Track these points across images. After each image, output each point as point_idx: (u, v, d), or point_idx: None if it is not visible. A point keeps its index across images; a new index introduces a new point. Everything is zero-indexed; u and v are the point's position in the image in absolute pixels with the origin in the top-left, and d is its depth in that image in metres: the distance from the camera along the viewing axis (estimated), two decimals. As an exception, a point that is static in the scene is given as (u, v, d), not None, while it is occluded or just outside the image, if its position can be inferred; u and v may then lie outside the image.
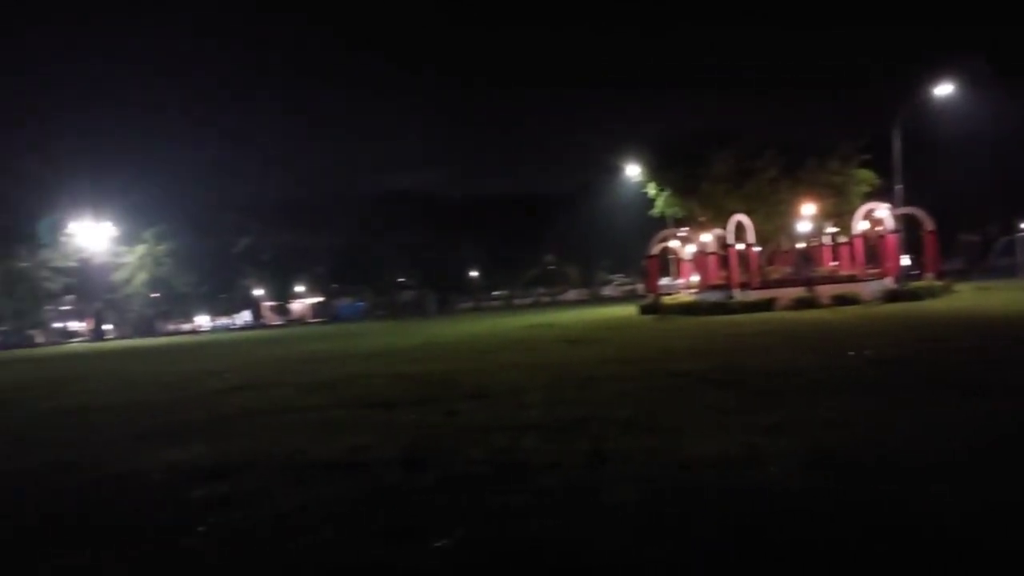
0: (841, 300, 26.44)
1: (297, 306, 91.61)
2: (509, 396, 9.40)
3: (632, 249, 65.04)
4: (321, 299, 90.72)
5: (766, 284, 30.56)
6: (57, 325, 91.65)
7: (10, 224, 74.44)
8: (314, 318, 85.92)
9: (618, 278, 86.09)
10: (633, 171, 41.42)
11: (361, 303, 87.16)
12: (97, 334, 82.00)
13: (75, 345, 69.15)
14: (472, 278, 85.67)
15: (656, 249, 35.76)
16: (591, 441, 6.31)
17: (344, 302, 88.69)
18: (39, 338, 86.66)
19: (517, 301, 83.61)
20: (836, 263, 34.13)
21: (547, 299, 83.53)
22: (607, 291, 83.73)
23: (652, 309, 30.04)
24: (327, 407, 9.70)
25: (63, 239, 77.76)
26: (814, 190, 33.52)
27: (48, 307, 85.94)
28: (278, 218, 77.65)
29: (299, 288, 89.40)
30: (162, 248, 78.43)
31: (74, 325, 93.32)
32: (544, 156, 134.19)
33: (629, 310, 33.02)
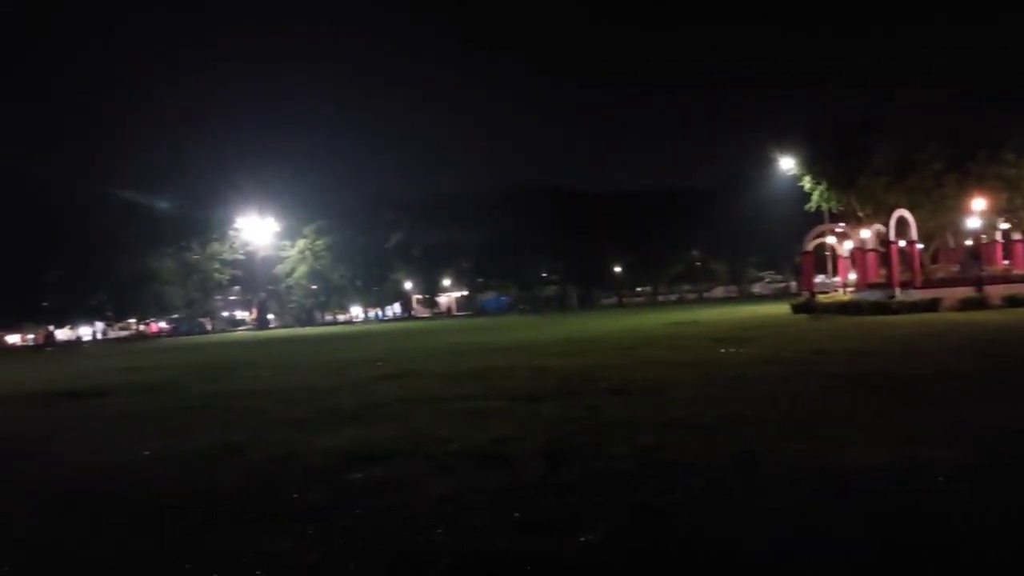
0: (1014, 301, 24.53)
1: (444, 299, 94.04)
2: (653, 393, 9.31)
3: (784, 245, 62.74)
4: (466, 293, 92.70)
5: (930, 283, 28.75)
6: (225, 314, 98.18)
7: (184, 219, 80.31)
8: (459, 311, 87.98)
9: (769, 275, 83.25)
10: (787, 164, 39.87)
11: (505, 297, 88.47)
12: (261, 323, 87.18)
13: (241, 333, 73.83)
14: (615, 274, 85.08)
15: (811, 245, 34.34)
16: (739, 442, 6.16)
17: (489, 296, 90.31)
18: (209, 326, 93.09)
19: (661, 298, 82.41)
20: (1009, 262, 31.63)
21: (693, 296, 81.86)
22: (757, 288, 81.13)
23: (806, 308, 28.90)
24: (473, 397, 9.93)
25: (231, 234, 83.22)
26: (984, 184, 31.22)
27: (217, 297, 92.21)
28: (428, 214, 79.90)
29: (446, 282, 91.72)
30: (321, 243, 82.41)
31: (240, 314, 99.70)
32: (691, 150, 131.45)
33: (781, 309, 31.90)
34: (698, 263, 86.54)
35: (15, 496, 6.04)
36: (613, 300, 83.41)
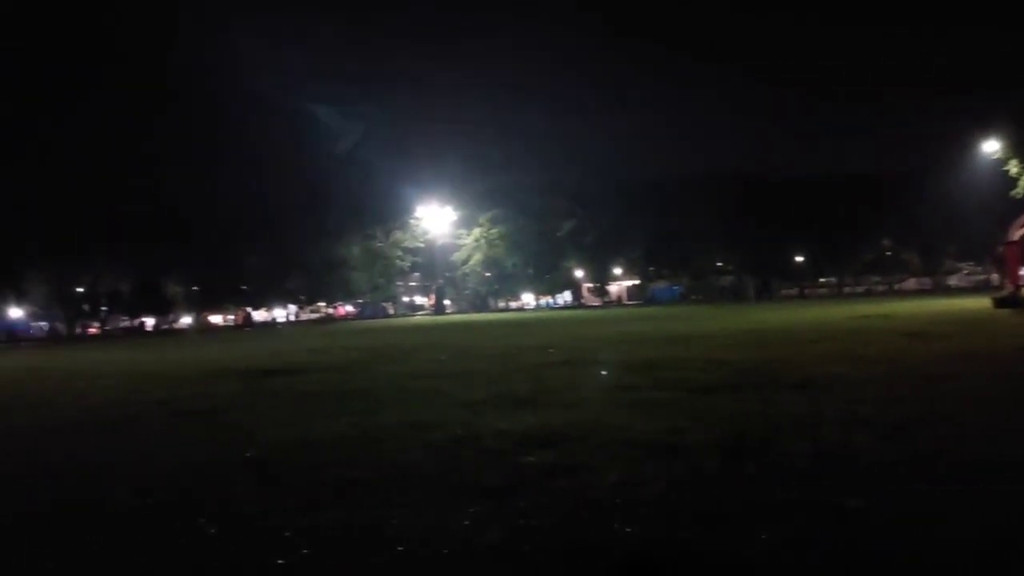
0: None
1: (614, 288, 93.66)
2: (836, 389, 8.86)
3: (985, 234, 57.71)
4: (637, 282, 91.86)
5: None
6: (405, 299, 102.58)
7: (369, 208, 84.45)
8: (630, 300, 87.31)
9: (967, 266, 76.95)
10: (990, 147, 36.63)
11: (677, 287, 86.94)
12: (438, 308, 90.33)
13: (419, 317, 76.82)
14: (796, 263, 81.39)
15: (1017, 234, 31.38)
16: (932, 444, 5.75)
17: (660, 285, 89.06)
18: (391, 310, 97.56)
19: (847, 289, 78.05)
20: None
21: (882, 288, 76.94)
22: (953, 281, 75.16)
23: (1010, 302, 26.46)
24: (645, 387, 9.84)
25: (412, 223, 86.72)
26: None
27: (399, 283, 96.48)
28: (601, 203, 79.73)
29: (617, 271, 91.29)
30: (495, 231, 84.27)
31: (419, 299, 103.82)
32: (881, 134, 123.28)
33: (980, 303, 29.40)
34: (888, 253, 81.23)
35: (217, 466, 6.56)
36: (794, 291, 79.94)
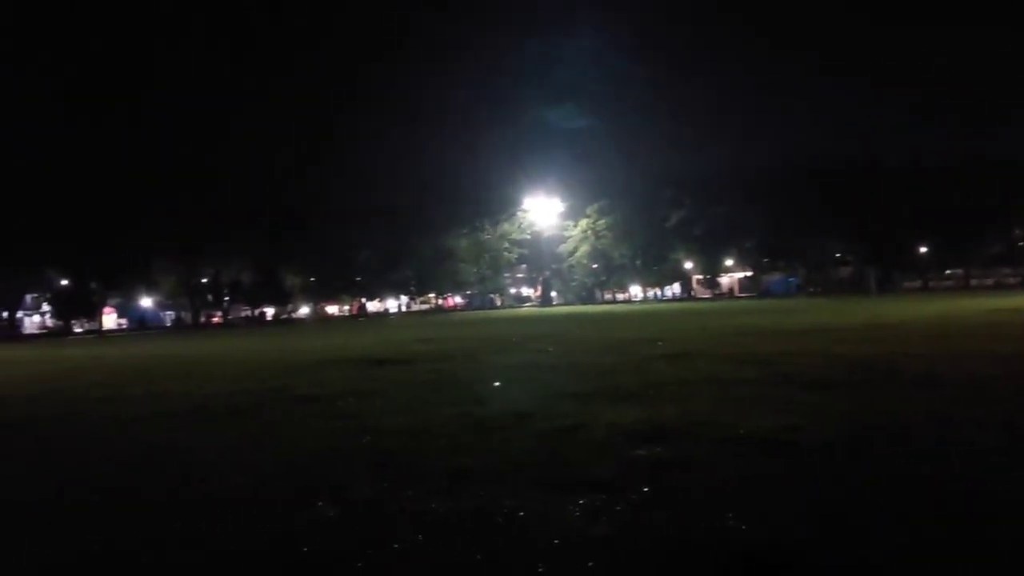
0: None
1: (725, 280, 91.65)
2: (968, 388, 8.37)
3: None
4: (750, 274, 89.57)
5: None
6: (512, 291, 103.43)
7: (477, 200, 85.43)
8: (742, 293, 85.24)
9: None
10: None
11: (792, 278, 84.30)
12: (545, 300, 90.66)
13: (526, 309, 77.29)
14: (920, 254, 77.52)
15: None
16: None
17: (774, 277, 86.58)
18: (498, 301, 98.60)
19: (974, 282, 73.87)
20: None
21: (1013, 280, 72.40)
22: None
23: None
24: (758, 382, 9.57)
25: (520, 215, 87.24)
26: None
27: (506, 275, 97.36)
28: (711, 192, 78.00)
29: (728, 262, 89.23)
30: (602, 223, 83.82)
31: (526, 291, 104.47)
32: (1015, 117, 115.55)
33: None
34: (1021, 243, 76.38)
35: (335, 452, 6.76)
36: (917, 284, 76.24)
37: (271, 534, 4.42)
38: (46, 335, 73.57)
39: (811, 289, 77.78)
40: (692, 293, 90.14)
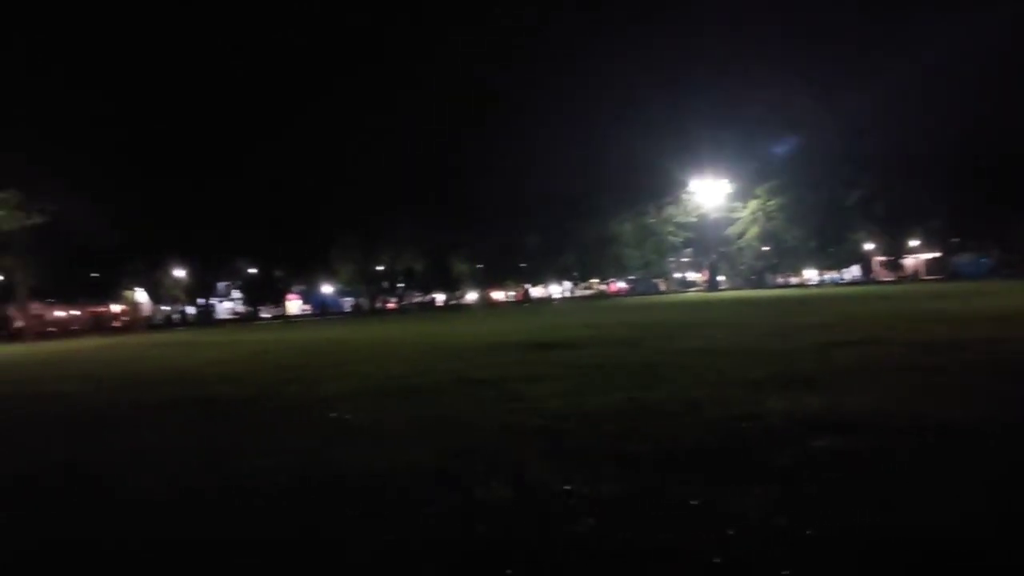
0: None
1: (910, 261, 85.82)
2: None
3: None
4: (937, 255, 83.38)
5: None
6: (677, 275, 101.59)
7: (642, 184, 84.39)
8: (928, 275, 79.59)
9: None
10: None
11: (985, 259, 77.75)
12: (712, 284, 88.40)
13: (692, 294, 75.68)
14: None
15: None
16: None
17: (964, 258, 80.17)
18: (662, 286, 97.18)
19: None
20: None
21: None
22: None
23: None
24: (950, 371, 8.91)
25: (685, 197, 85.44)
26: None
27: (670, 259, 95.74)
28: (894, 169, 73.04)
29: (913, 242, 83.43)
30: (774, 203, 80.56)
31: (692, 275, 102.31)
32: None
33: None
34: None
35: (507, 434, 6.90)
36: None
37: (449, 513, 4.58)
38: (236, 320, 79.57)
39: (1006, 271, 71.43)
40: (873, 276, 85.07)
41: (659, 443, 5.97)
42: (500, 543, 3.99)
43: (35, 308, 63.68)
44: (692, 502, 4.42)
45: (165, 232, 65.31)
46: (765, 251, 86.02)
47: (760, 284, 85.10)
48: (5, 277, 58.42)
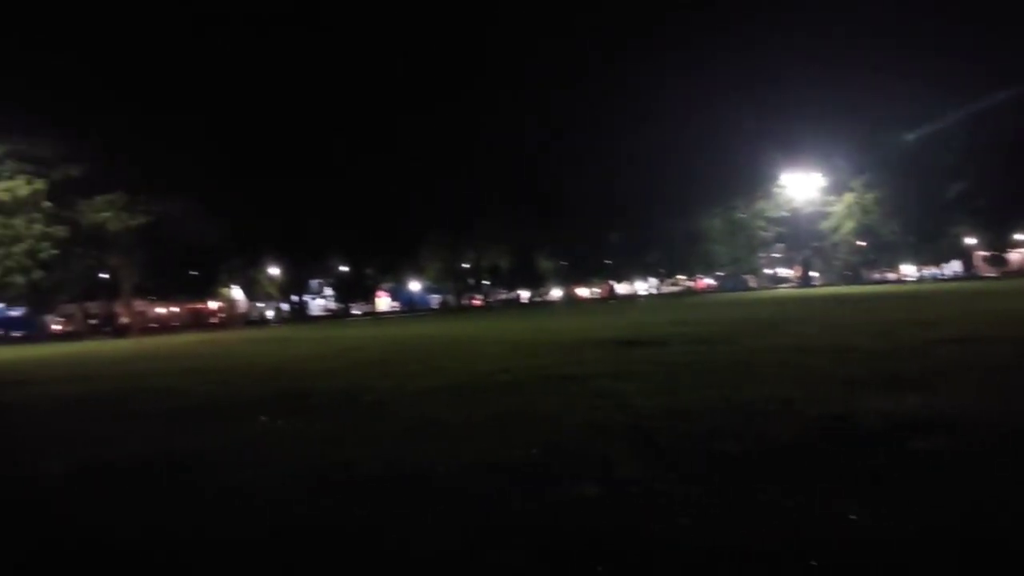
0: None
1: (1015, 256, 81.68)
2: None
3: None
4: (1045, 249, 79.13)
5: None
6: (768, 271, 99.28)
7: (730, 178, 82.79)
8: (1037, 270, 75.62)
9: None
10: None
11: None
12: (804, 280, 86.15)
13: (783, 290, 73.87)
14: None
15: None
16: None
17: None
18: (752, 283, 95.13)
19: None
20: None
21: None
22: None
23: None
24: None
25: (776, 191, 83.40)
26: None
27: (761, 254, 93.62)
28: (999, 160, 69.59)
29: (1019, 236, 79.34)
30: (870, 196, 77.86)
31: (783, 271, 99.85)
32: None
33: None
34: None
35: (595, 430, 6.89)
36: None
37: (537, 510, 4.62)
38: (329, 317, 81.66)
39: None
40: (975, 271, 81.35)
41: (752, 442, 5.87)
42: (589, 541, 4.00)
43: (138, 305, 66.78)
44: (787, 503, 4.33)
45: (261, 231, 67.51)
46: (861, 246, 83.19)
47: (855, 280, 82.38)
48: (111, 275, 61.33)
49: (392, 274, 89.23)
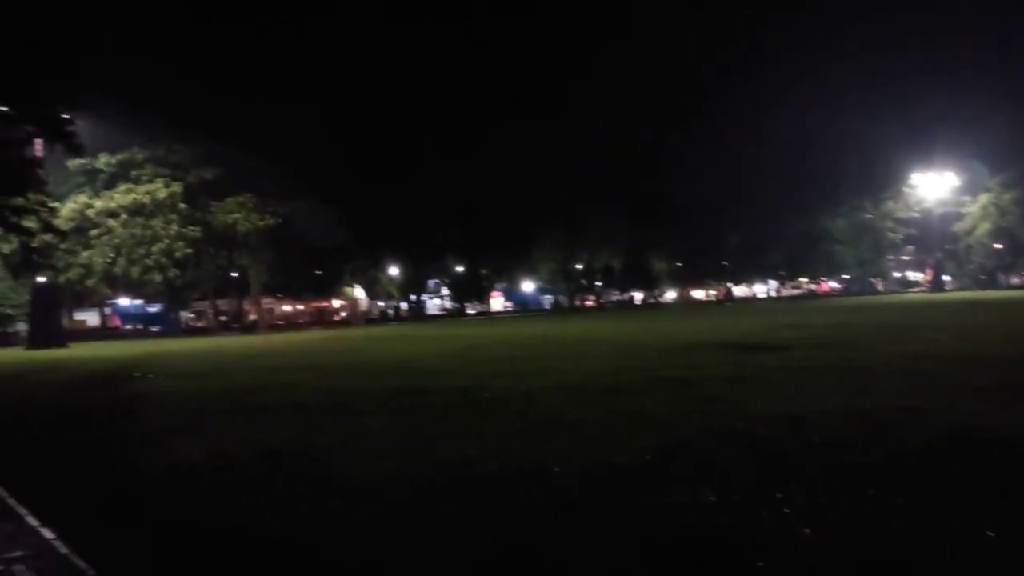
0: None
1: None
2: None
3: None
4: None
5: None
6: (896, 275, 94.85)
7: (857, 176, 79.56)
8: None
9: None
10: None
11: None
12: (936, 285, 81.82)
13: (912, 295, 70.39)
14: None
15: None
16: None
17: None
18: (879, 286, 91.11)
19: None
20: None
21: None
22: None
23: None
24: None
25: (906, 190, 79.58)
26: None
27: (889, 257, 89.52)
28: None
29: None
30: (1008, 196, 73.29)
31: (912, 275, 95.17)
32: None
33: None
34: None
35: (708, 436, 6.81)
36: None
37: (653, 512, 4.62)
38: (445, 316, 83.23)
39: None
40: None
41: (877, 452, 5.68)
42: (702, 548, 3.98)
43: (266, 303, 69.87)
44: (915, 515, 4.19)
45: (382, 232, 69.46)
46: (997, 249, 78.33)
47: (991, 285, 77.65)
48: (240, 274, 64.37)
49: (506, 274, 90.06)
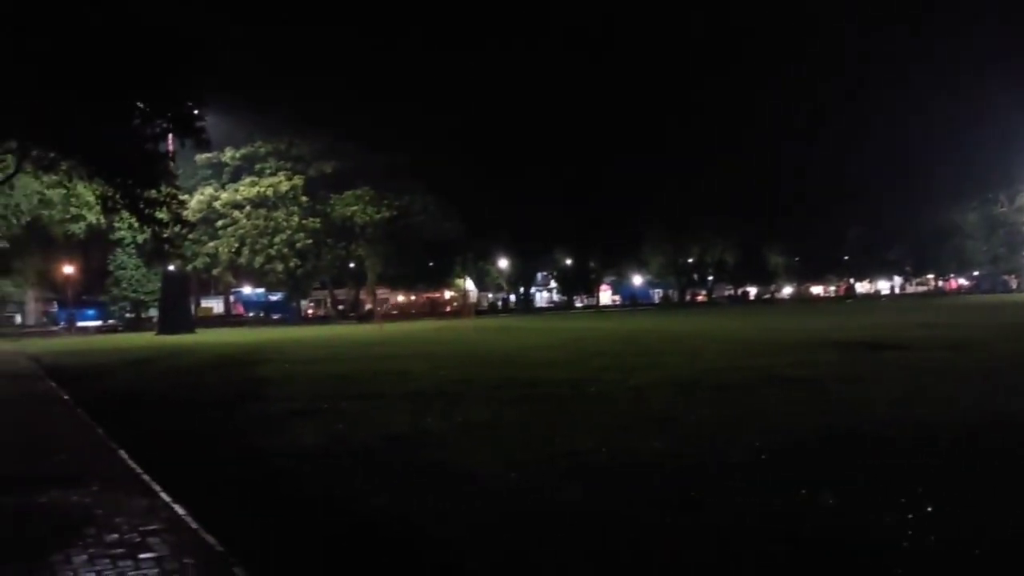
0: None
1: None
2: None
3: None
4: None
5: None
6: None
7: (988, 168, 75.03)
8: None
9: None
10: None
11: None
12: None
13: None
14: None
15: None
16: None
17: None
18: (1013, 284, 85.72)
19: None
20: None
21: None
22: None
23: None
24: None
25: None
26: None
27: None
28: None
29: None
30: None
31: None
32: None
33: None
34: None
35: (824, 440, 6.60)
36: None
37: (771, 515, 4.52)
38: (553, 308, 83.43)
39: None
40: None
41: (1015, 460, 5.38)
42: (826, 557, 3.87)
43: (381, 293, 71.77)
44: (985, 535, 3.96)
45: (493, 225, 70.15)
46: None
47: None
48: (357, 265, 66.24)
49: (615, 268, 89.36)
